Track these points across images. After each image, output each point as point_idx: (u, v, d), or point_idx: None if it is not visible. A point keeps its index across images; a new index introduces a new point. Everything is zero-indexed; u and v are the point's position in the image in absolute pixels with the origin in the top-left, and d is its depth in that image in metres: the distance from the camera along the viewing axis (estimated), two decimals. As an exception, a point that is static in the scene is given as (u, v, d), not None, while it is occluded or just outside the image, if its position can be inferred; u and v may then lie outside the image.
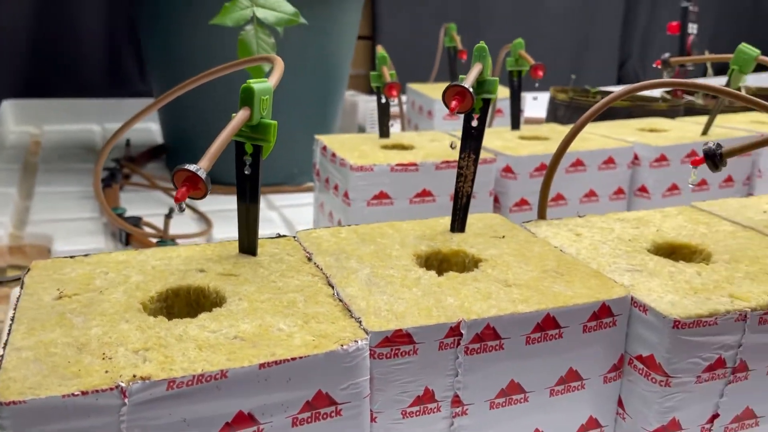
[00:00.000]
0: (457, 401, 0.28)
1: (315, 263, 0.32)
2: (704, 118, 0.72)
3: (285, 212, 0.78)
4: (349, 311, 0.28)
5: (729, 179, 0.63)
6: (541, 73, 0.61)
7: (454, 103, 0.33)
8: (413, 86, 0.96)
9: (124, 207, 0.71)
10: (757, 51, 0.57)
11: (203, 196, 0.27)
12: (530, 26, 1.46)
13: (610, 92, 0.88)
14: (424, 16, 1.39)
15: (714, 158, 0.34)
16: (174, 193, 0.27)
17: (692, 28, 0.87)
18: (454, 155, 0.55)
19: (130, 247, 0.62)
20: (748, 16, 1.70)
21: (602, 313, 0.29)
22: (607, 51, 1.53)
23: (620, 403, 0.31)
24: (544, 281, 0.31)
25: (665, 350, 0.28)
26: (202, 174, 0.27)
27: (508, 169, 0.56)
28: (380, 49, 0.63)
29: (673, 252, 0.37)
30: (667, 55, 0.64)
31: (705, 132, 0.63)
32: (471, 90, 0.34)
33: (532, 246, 0.35)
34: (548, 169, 0.40)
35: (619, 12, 1.51)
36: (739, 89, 0.84)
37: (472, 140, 0.37)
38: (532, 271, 0.32)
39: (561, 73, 1.51)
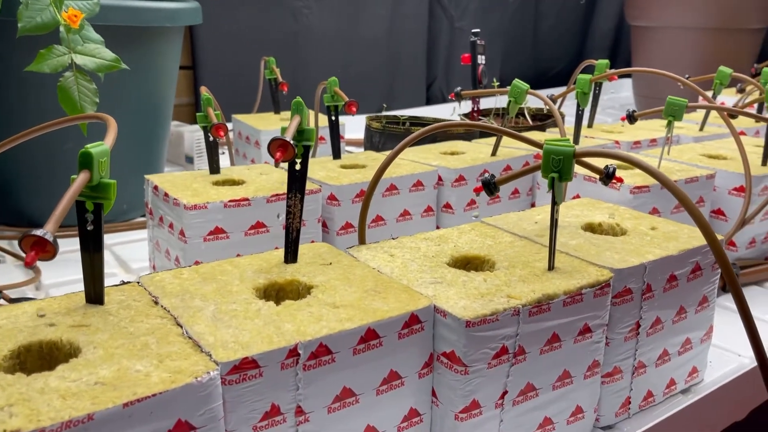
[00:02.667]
0: (299, 411, 0.33)
1: (162, 306, 0.36)
2: (491, 140, 0.84)
3: (118, 250, 0.77)
4: (199, 347, 0.31)
5: (516, 191, 0.75)
6: (354, 110, 0.68)
7: (278, 155, 0.38)
8: (239, 117, 0.99)
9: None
10: (527, 85, 0.69)
11: (52, 257, 0.29)
12: (347, 53, 1.56)
13: (416, 118, 0.99)
14: (243, 46, 1.42)
15: (489, 186, 0.42)
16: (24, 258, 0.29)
17: (481, 59, 1.01)
18: (283, 188, 0.60)
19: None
20: (529, 43, 1.95)
21: (412, 321, 0.36)
22: (415, 74, 1.67)
23: (433, 393, 0.38)
24: (366, 300, 0.37)
25: (462, 345, 0.36)
26: (49, 237, 0.29)
27: (332, 197, 0.63)
28: (204, 91, 0.66)
29: (467, 263, 0.45)
30: (459, 88, 0.74)
31: (494, 153, 0.74)
32: (292, 142, 0.39)
33: (354, 270, 0.41)
34: (364, 199, 0.46)
35: (423, 38, 1.66)
36: (517, 115, 0.99)
37: (297, 182, 0.42)
38: (355, 292, 0.38)
39: (378, 95, 1.63)
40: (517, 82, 0.69)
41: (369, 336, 0.34)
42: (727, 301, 0.66)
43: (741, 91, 1.16)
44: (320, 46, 1.52)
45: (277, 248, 0.45)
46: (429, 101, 1.70)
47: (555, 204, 0.41)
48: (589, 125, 0.94)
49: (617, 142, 0.85)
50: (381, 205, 0.65)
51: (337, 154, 0.73)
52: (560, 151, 0.40)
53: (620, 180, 0.55)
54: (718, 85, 0.91)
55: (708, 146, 0.82)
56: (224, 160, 1.09)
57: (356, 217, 0.64)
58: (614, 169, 0.48)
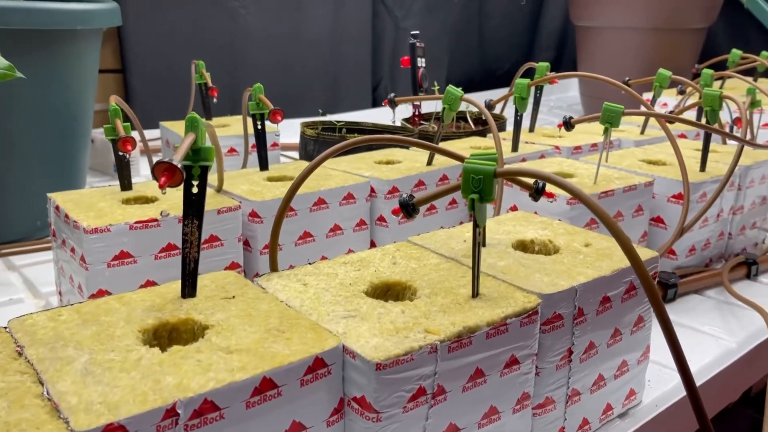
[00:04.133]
0: (183, 477, 0.29)
1: (26, 357, 0.31)
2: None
3: (27, 272, 0.71)
4: (58, 411, 0.27)
5: (453, 201, 0.72)
6: (279, 118, 0.64)
7: (162, 180, 0.34)
8: (166, 124, 0.94)
9: None
10: (461, 92, 0.66)
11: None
12: (288, 55, 1.51)
13: (355, 124, 0.95)
14: (177, 48, 1.35)
15: (407, 208, 0.39)
16: None
17: (421, 62, 0.97)
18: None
19: None
20: (475, 43, 1.93)
21: (317, 365, 0.32)
22: (360, 75, 1.64)
23: (346, 441, 0.35)
24: (266, 342, 0.33)
25: (373, 390, 0.32)
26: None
27: (254, 214, 0.58)
28: (113, 101, 0.61)
29: (388, 290, 0.42)
30: (392, 95, 0.71)
31: (429, 162, 0.71)
32: (183, 163, 0.35)
33: (259, 304, 0.37)
34: (275, 220, 0.42)
35: (367, 38, 1.62)
36: (459, 120, 0.95)
37: (193, 207, 0.38)
38: (255, 332, 0.34)
39: (322, 98, 1.59)
40: (450, 88, 0.66)
41: (265, 386, 0.30)
42: (668, 312, 0.64)
43: (681, 93, 1.16)
44: (259, 48, 1.47)
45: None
46: (375, 103, 1.67)
47: (477, 227, 0.38)
48: (531, 129, 0.92)
49: (557, 148, 0.83)
50: (309, 220, 0.61)
51: (264, 165, 0.69)
52: (480, 170, 0.37)
53: (551, 195, 0.53)
54: (658, 88, 0.90)
55: (648, 151, 0.80)
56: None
57: (282, 235, 0.60)
58: (544, 184, 0.45)
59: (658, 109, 1.30)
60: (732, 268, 0.71)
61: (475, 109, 1.01)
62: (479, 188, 0.37)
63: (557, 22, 2.16)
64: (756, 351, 0.56)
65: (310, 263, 0.44)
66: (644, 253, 0.46)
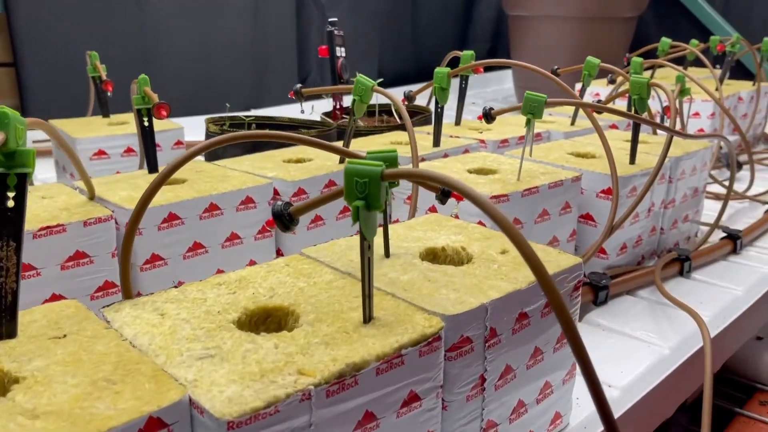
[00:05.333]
0: None
1: None
2: (355, 141, 0.75)
3: None
4: None
5: (369, 203, 0.65)
6: (164, 113, 0.56)
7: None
8: (56, 123, 0.84)
9: None
10: (373, 81, 0.60)
11: None
12: (205, 46, 1.41)
13: (269, 119, 0.87)
14: (77, 38, 1.24)
15: (282, 219, 0.32)
16: None
17: (340, 52, 0.91)
18: (64, 217, 0.47)
19: None
20: (408, 33, 1.88)
21: (152, 427, 0.25)
22: (286, 68, 1.55)
23: None
24: (88, 399, 0.26)
25: (226, 454, 0.26)
26: None
27: (131, 225, 0.50)
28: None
29: (267, 317, 0.35)
30: (298, 86, 0.64)
31: (342, 161, 0.64)
32: (-16, 172, 0.27)
33: (95, 344, 0.30)
34: (127, 232, 0.35)
35: (292, 29, 1.54)
36: (382, 113, 0.89)
37: (8, 225, 0.30)
38: (78, 385, 0.27)
39: (245, 92, 1.50)
40: (361, 78, 0.60)
41: (73, 463, 0.23)
42: (599, 317, 0.60)
43: (612, 82, 1.14)
44: (173, 39, 1.37)
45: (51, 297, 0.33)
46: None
47: (364, 239, 0.32)
48: (457, 123, 0.87)
49: (483, 141, 0.77)
50: (199, 229, 0.54)
51: (153, 166, 0.61)
52: (365, 172, 0.30)
53: (459, 198, 0.47)
54: (587, 77, 0.86)
55: (578, 143, 0.76)
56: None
57: (166, 247, 0.52)
58: (452, 185, 0.39)
59: (589, 99, 1.27)
60: (665, 266, 0.67)
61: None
62: (365, 193, 0.31)
63: (492, 12, 2.13)
64: (690, 361, 0.52)
65: (175, 286, 0.37)
66: (567, 260, 0.41)
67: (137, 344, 0.31)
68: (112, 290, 0.50)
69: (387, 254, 0.41)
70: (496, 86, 2.03)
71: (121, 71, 0.92)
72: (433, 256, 0.43)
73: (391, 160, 0.38)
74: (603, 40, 1.52)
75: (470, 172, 0.63)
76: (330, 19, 0.91)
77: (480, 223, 0.50)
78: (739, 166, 1.06)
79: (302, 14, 1.53)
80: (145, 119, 0.60)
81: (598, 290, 0.61)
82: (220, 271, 0.55)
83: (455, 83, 0.85)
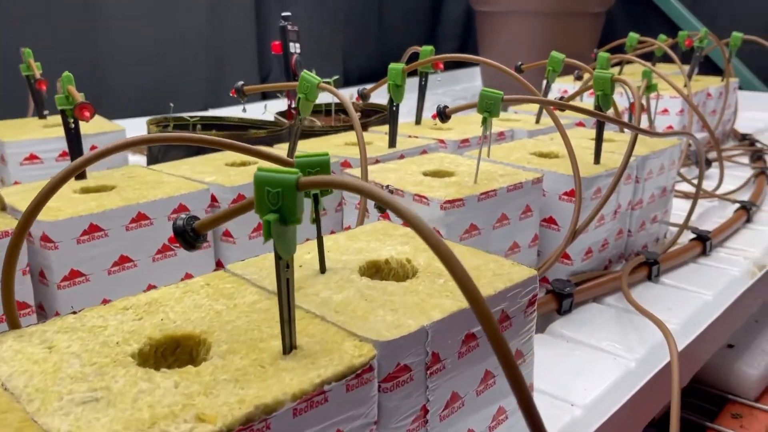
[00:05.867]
0: None
1: None
2: (308, 142, 0.71)
3: None
4: None
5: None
6: (87, 114, 0.52)
7: None
8: (-13, 124, 0.78)
9: None
10: (318, 79, 0.56)
11: None
12: (160, 44, 1.35)
13: (218, 119, 0.83)
14: (17, 35, 1.17)
15: (185, 236, 0.28)
16: None
17: (295, 48, 0.86)
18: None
19: None
20: (374, 30, 1.83)
21: (4, 496, 0.21)
22: (245, 66, 1.50)
23: None
24: (-72, 462, 0.21)
25: None
26: None
27: (46, 238, 0.46)
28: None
29: (177, 347, 0.31)
30: (240, 83, 0.60)
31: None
32: None
33: (-42, 388, 0.25)
34: (8, 251, 0.31)
35: (250, 25, 1.48)
36: (339, 111, 0.84)
37: None
38: None
39: (203, 91, 1.44)
40: (306, 74, 0.56)
41: None
42: (563, 327, 0.57)
43: (579, 78, 1.11)
44: (124, 36, 1.31)
45: None
46: (265, 96, 1.54)
47: (280, 259, 0.28)
48: (417, 122, 0.83)
49: (442, 141, 0.74)
50: (126, 241, 0.49)
51: (80, 173, 0.56)
52: (277, 180, 0.26)
53: (422, 198, 0.42)
54: (551, 72, 0.83)
55: (541, 142, 0.73)
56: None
57: (88, 262, 0.48)
58: (391, 191, 0.35)
59: (557, 96, 1.24)
60: (632, 270, 0.64)
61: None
62: (278, 205, 0.26)
63: (461, 8, 2.09)
64: (658, 376, 0.49)
65: (73, 312, 0.32)
66: (520, 273, 0.37)
67: (10, 387, 0.26)
68: (27, 311, 0.45)
69: (322, 269, 0.37)
70: (466, 83, 2.00)
71: (67, 70, 0.86)
72: (375, 269, 0.39)
73: (321, 165, 0.33)
74: (571, 35, 1.49)
75: (426, 174, 0.59)
76: (283, 14, 0.87)
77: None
78: (708, 163, 1.04)
79: (262, 8, 1.48)
80: (71, 120, 0.55)
81: (562, 298, 0.58)
82: (151, 287, 0.51)
83: (415, 80, 0.81)
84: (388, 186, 0.35)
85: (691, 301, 0.62)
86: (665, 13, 1.80)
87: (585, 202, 0.60)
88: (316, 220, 0.36)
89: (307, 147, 0.70)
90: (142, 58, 1.33)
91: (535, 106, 0.90)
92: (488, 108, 0.53)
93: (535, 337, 0.55)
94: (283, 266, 0.28)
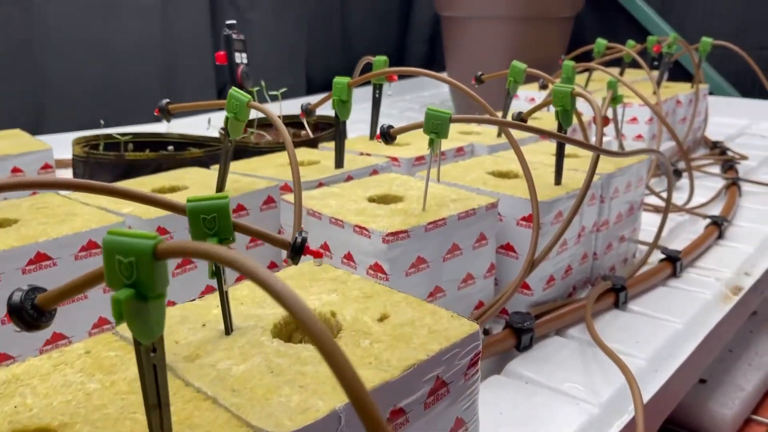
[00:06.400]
0: None
1: None
2: (252, 161, 0.65)
3: None
4: None
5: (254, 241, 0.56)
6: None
7: None
8: None
9: None
10: (249, 97, 0.50)
11: None
12: (106, 56, 1.28)
13: (156, 135, 0.77)
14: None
15: (22, 314, 0.22)
16: None
17: (241, 58, 0.81)
18: None
19: None
20: (338, 37, 1.78)
21: None
22: (201, 77, 1.44)
23: None
24: None
25: None
26: None
27: None
28: None
29: (28, 442, 0.25)
30: (164, 102, 0.54)
31: (220, 188, 0.54)
32: None
33: None
34: None
35: (206, 33, 1.42)
36: (297, 125, 0.78)
37: None
38: None
39: (152, 106, 1.37)
40: (234, 92, 0.50)
41: None
42: (522, 366, 0.52)
43: (543, 87, 1.06)
44: (67, 48, 1.23)
45: None
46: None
47: (140, 345, 0.22)
48: (372, 137, 0.77)
49: (395, 159, 0.68)
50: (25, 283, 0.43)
51: (-20, 204, 0.49)
52: (129, 247, 0.21)
53: (318, 255, 0.37)
54: (513, 83, 0.78)
55: (502, 159, 0.68)
56: None
57: (-24, 312, 0.41)
58: (303, 240, 0.30)
59: (524, 105, 1.20)
60: (598, 298, 0.59)
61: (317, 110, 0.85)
62: (133, 278, 0.21)
63: (430, 13, 2.05)
64: (625, 428, 0.44)
65: None
66: (460, 329, 0.32)
67: None
68: None
69: (228, 330, 0.32)
70: (434, 89, 1.95)
71: (5, 84, 0.80)
72: (294, 327, 0.34)
73: (219, 210, 0.28)
74: (539, 41, 1.45)
75: (371, 200, 0.53)
76: (227, 21, 0.81)
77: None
78: (679, 174, 1.00)
79: (217, 18, 1.42)
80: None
81: (521, 334, 0.53)
82: (48, 344, 0.45)
83: (367, 93, 0.76)
84: (302, 233, 0.30)
85: (660, 331, 0.57)
86: (634, 17, 1.78)
87: (545, 228, 0.55)
88: (216, 274, 0.30)
89: (248, 168, 0.64)
90: (86, 69, 1.25)
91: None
92: (435, 129, 0.48)
93: (492, 378, 0.51)
94: (147, 351, 0.22)
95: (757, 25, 1.65)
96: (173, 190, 0.57)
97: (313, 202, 0.52)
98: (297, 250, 0.30)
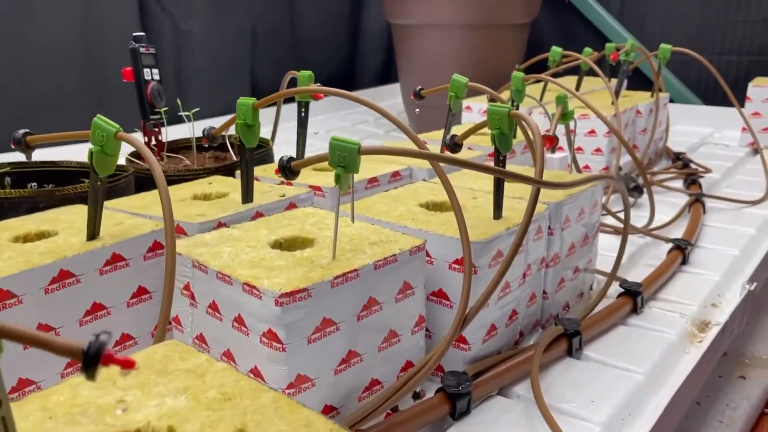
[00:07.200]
0: None
1: None
2: (138, 198, 0.56)
3: None
4: None
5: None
6: None
7: None
8: None
9: None
10: (117, 127, 0.42)
11: None
12: (20, 67, 1.16)
13: (41, 164, 0.67)
14: None
15: None
16: None
17: (151, 74, 0.72)
18: None
19: None
20: (287, 46, 1.69)
21: None
22: (131, 91, 1.33)
23: None
24: None
25: None
26: None
27: None
28: None
29: None
30: (20, 132, 0.45)
31: (92, 235, 0.45)
32: None
33: None
34: None
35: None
36: (222, 148, 0.66)
37: None
38: None
39: (75, 124, 1.27)
40: (99, 120, 0.41)
41: None
42: (485, 412, 0.43)
43: (492, 101, 0.99)
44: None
45: None
46: (169, 123, 1.38)
47: None
48: (298, 156, 0.69)
49: (319, 189, 0.60)
50: None
51: None
52: None
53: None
54: (454, 98, 0.70)
55: (439, 186, 0.60)
56: None
57: None
58: (101, 345, 0.21)
59: (478, 118, 1.13)
60: (547, 346, 0.52)
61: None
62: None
63: (383, 21, 1.97)
64: None
65: None
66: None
67: None
68: None
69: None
70: (390, 100, 1.87)
71: None
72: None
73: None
74: (494, 48, 1.39)
75: (275, 245, 0.45)
76: (135, 34, 0.72)
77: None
78: (640, 191, 0.94)
79: (149, 26, 1.32)
80: None
81: (456, 399, 0.45)
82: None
83: (292, 112, 0.68)
84: (100, 335, 0.21)
85: (619, 385, 0.50)
86: (592, 22, 1.72)
87: (482, 271, 0.47)
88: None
89: (140, 204, 0.55)
90: (2, 88, 1.15)
91: (438, 135, 0.78)
92: (342, 162, 0.39)
93: (420, 457, 0.43)
94: None
95: (715, 30, 1.61)
96: (42, 236, 0.47)
97: (202, 250, 0.43)
98: (90, 361, 0.21)
